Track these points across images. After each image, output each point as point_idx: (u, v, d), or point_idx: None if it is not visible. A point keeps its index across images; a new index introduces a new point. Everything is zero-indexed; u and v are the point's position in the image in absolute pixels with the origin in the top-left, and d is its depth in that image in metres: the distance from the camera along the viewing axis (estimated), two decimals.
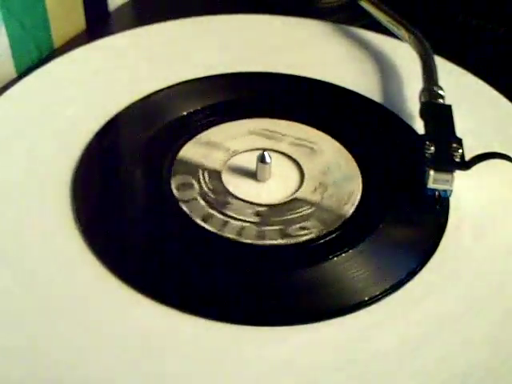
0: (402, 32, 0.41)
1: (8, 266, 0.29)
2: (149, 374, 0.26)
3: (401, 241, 0.32)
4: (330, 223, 0.32)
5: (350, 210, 0.32)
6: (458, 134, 0.34)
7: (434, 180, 0.32)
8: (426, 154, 0.32)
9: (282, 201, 0.33)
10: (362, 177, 0.34)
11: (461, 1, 0.50)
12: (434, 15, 0.49)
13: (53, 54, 0.45)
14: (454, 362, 0.27)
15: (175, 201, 0.32)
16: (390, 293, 0.29)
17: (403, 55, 0.41)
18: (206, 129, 0.36)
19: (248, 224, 0.32)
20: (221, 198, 0.33)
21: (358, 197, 0.33)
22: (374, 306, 0.28)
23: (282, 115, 0.37)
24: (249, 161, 0.35)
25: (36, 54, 0.44)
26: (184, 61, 0.41)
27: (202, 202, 0.32)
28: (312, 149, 0.35)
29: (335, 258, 0.30)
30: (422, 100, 0.36)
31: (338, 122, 0.37)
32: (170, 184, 0.33)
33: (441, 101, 0.36)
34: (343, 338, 0.27)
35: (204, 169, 0.34)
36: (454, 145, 0.33)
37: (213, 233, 0.31)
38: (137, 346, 0.27)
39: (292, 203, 0.33)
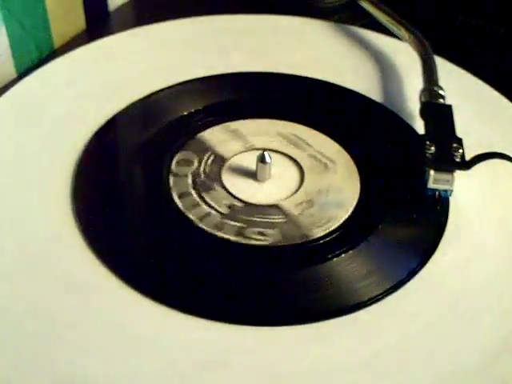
0: (402, 32, 0.41)
1: (8, 265, 0.29)
2: (148, 373, 0.26)
3: (401, 241, 0.32)
4: (289, 238, 0.31)
5: (318, 233, 0.31)
6: (459, 133, 0.34)
7: (435, 180, 0.32)
8: (427, 154, 0.32)
9: (262, 203, 0.33)
10: (362, 176, 0.34)
11: (461, 1, 0.50)
12: (434, 15, 0.49)
13: (53, 54, 0.44)
14: (454, 361, 0.27)
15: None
16: (390, 293, 0.29)
17: (403, 55, 0.41)
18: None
19: (214, 212, 0.32)
20: (208, 182, 0.33)
21: (335, 225, 0.31)
22: (374, 306, 0.28)
23: (298, 119, 0.37)
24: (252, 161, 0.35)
25: (36, 54, 0.44)
26: (184, 61, 0.41)
27: (189, 181, 0.33)
28: (326, 166, 0.34)
29: (335, 258, 0.30)
30: (423, 100, 0.36)
31: (337, 121, 0.37)
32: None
33: (441, 101, 0.36)
34: (343, 338, 0.27)
35: (213, 153, 0.34)
36: (455, 145, 0.33)
37: (181, 212, 0.31)
38: (136, 345, 0.27)
39: (269, 208, 0.32)
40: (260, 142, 0.36)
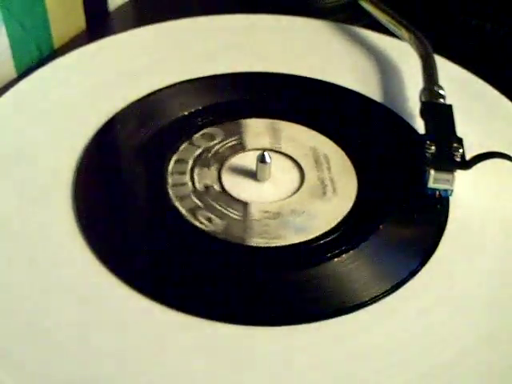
0: (402, 32, 0.41)
1: (8, 265, 0.29)
2: (148, 373, 0.26)
3: (401, 241, 0.32)
4: (228, 234, 0.31)
5: (256, 243, 0.31)
6: (459, 133, 0.34)
7: (435, 180, 0.32)
8: (427, 154, 0.32)
9: (237, 197, 0.33)
10: (362, 176, 0.34)
11: (461, 1, 0.50)
12: (434, 15, 0.49)
13: (53, 54, 0.45)
14: (454, 360, 0.27)
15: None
16: (390, 293, 0.29)
17: (403, 55, 0.41)
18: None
19: (190, 185, 0.33)
20: (204, 161, 0.34)
21: (279, 244, 0.31)
22: (374, 306, 0.28)
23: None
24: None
25: (36, 54, 0.44)
26: (184, 61, 0.41)
27: (191, 161, 0.34)
28: (324, 193, 0.33)
29: (335, 258, 0.30)
30: (423, 100, 0.36)
31: (337, 121, 0.37)
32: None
33: (441, 100, 0.36)
34: (343, 338, 0.27)
35: (235, 140, 0.35)
36: (455, 144, 0.33)
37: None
38: (136, 345, 0.27)
39: (237, 203, 0.32)
40: (290, 149, 0.35)
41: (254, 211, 0.32)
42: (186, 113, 0.37)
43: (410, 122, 0.37)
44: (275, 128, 0.36)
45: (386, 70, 0.41)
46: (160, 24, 0.44)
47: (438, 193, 0.32)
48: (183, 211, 0.32)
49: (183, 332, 0.27)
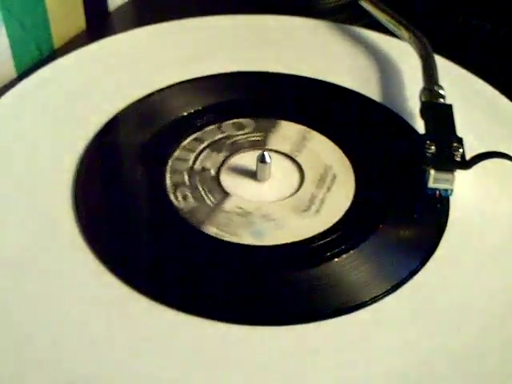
0: (402, 32, 0.41)
1: (8, 265, 0.29)
2: (148, 373, 0.26)
3: (401, 241, 0.32)
4: (191, 215, 0.31)
5: (208, 230, 0.31)
6: (459, 133, 0.34)
7: (435, 179, 0.32)
8: (427, 154, 0.32)
9: (225, 188, 0.33)
10: (362, 176, 0.34)
11: (461, 1, 0.50)
12: (434, 15, 0.49)
13: (53, 54, 0.45)
14: (454, 360, 0.27)
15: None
16: (390, 293, 0.29)
17: (403, 55, 0.41)
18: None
19: (188, 165, 0.34)
20: (218, 146, 0.35)
21: (234, 240, 0.31)
22: (374, 306, 0.28)
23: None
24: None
25: (36, 54, 0.44)
26: (184, 61, 0.41)
27: (206, 142, 0.35)
28: (309, 208, 0.32)
29: (335, 258, 0.30)
30: (423, 99, 0.36)
31: (337, 121, 0.37)
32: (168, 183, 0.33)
33: (441, 100, 0.36)
34: (343, 338, 0.27)
35: (259, 136, 0.36)
36: (455, 144, 0.33)
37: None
38: (136, 345, 0.27)
39: (221, 193, 0.33)
40: (305, 161, 0.35)
41: (229, 204, 0.32)
42: (185, 113, 0.37)
43: (410, 122, 0.37)
44: (305, 137, 0.36)
45: (385, 70, 0.41)
46: (160, 24, 0.44)
47: (437, 193, 0.32)
48: (168, 183, 0.33)
49: (183, 332, 0.27)
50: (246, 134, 0.36)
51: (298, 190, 0.33)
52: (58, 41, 0.45)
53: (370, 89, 0.39)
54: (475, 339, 0.28)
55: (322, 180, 0.34)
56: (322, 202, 0.33)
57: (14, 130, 0.36)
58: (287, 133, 0.36)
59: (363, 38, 0.44)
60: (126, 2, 0.50)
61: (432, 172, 0.32)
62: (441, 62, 0.39)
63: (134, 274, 0.29)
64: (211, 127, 0.36)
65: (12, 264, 0.29)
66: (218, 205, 0.32)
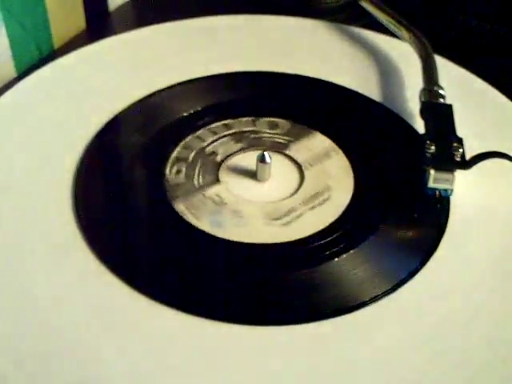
0: (402, 32, 0.41)
1: (8, 265, 0.29)
2: (148, 373, 0.26)
3: (401, 241, 0.32)
4: (173, 189, 0.32)
5: (178, 209, 0.32)
6: (459, 133, 0.34)
7: (435, 179, 0.32)
8: (427, 154, 0.32)
9: (223, 172, 0.34)
10: (362, 176, 0.34)
11: (461, 1, 0.50)
12: (434, 15, 0.49)
13: (53, 54, 0.45)
14: (453, 360, 0.27)
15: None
16: (390, 293, 0.29)
17: (403, 55, 0.41)
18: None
19: (201, 145, 0.35)
20: (239, 137, 0.35)
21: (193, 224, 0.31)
22: (374, 306, 0.28)
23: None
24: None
25: (36, 54, 0.44)
26: (184, 61, 0.41)
27: (232, 131, 0.35)
28: (278, 219, 0.32)
29: (335, 258, 0.30)
30: (423, 99, 0.36)
31: (337, 121, 0.37)
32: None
33: (441, 100, 0.36)
34: (343, 338, 0.27)
35: (286, 140, 0.36)
36: (455, 144, 0.33)
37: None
38: (136, 345, 0.27)
39: (215, 175, 0.33)
40: (311, 177, 0.34)
41: (212, 190, 0.33)
42: (186, 113, 0.37)
43: (409, 122, 0.37)
44: (329, 155, 0.35)
45: (386, 70, 0.41)
46: (160, 24, 0.44)
47: (438, 192, 0.32)
48: (172, 156, 0.34)
49: (183, 332, 0.27)
50: (274, 134, 0.36)
51: (284, 199, 0.33)
52: (57, 41, 0.45)
53: (370, 89, 0.39)
54: (476, 339, 0.28)
55: (313, 197, 0.33)
56: (298, 217, 0.32)
57: (13, 130, 0.36)
58: (314, 145, 0.36)
59: (363, 38, 0.44)
60: (126, 2, 0.50)
61: (432, 172, 0.32)
62: (441, 62, 0.39)
63: (134, 274, 0.29)
64: (247, 118, 0.36)
65: (12, 264, 0.30)
66: (202, 188, 0.33)
